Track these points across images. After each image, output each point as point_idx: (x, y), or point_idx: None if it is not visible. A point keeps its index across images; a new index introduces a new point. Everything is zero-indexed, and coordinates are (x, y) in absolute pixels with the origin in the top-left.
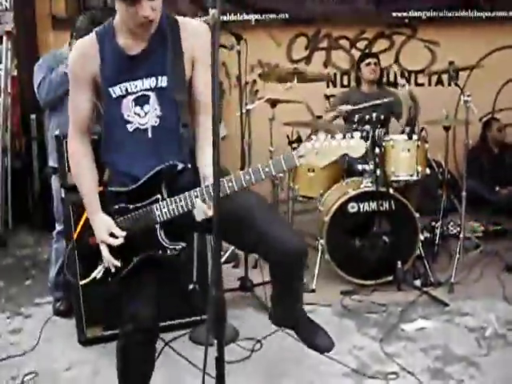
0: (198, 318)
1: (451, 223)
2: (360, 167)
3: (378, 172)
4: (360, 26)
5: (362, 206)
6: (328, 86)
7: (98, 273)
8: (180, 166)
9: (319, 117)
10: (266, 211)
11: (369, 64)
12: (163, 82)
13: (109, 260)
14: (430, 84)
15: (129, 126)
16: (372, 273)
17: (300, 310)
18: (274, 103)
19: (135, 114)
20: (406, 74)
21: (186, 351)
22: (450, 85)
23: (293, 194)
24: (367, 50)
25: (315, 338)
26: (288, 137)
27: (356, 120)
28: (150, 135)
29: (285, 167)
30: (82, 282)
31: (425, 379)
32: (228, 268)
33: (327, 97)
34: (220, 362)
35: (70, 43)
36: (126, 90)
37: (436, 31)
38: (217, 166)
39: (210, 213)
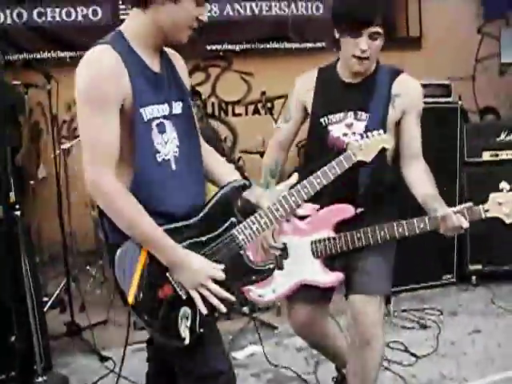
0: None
1: None
2: None
3: None
4: None
5: None
6: None
7: (185, 327)
8: (242, 183)
9: None
10: None
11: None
12: (177, 108)
13: (224, 295)
14: (247, 114)
15: (158, 155)
16: None
17: None
18: None
19: (158, 143)
20: (224, 106)
21: None
22: (266, 114)
23: None
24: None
25: None
26: None
27: None
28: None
29: (346, 165)
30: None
31: None
32: (54, 313)
33: None
34: None
35: None
36: (152, 113)
37: (250, 63)
38: None
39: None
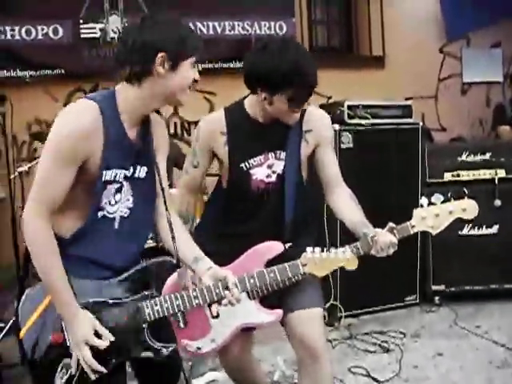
0: None
1: None
2: None
3: None
4: None
5: None
6: None
7: (60, 378)
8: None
9: None
10: None
11: None
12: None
13: (91, 364)
14: None
15: (99, 212)
16: None
17: None
18: None
19: (107, 201)
20: (187, 125)
21: None
22: None
23: None
24: None
25: None
26: None
27: None
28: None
29: (290, 274)
30: None
31: None
32: (10, 341)
33: None
34: None
35: None
36: (112, 176)
37: (212, 82)
38: None
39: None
